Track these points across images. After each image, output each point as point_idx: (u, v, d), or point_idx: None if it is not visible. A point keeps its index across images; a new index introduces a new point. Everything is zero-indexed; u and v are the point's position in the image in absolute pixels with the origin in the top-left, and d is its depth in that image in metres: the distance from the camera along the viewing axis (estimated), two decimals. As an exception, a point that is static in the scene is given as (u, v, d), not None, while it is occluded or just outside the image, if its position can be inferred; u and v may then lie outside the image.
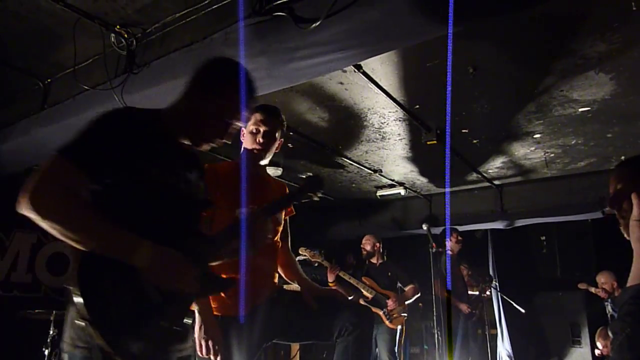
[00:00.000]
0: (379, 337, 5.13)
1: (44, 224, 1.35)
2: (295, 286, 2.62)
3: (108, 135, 1.48)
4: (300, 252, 5.23)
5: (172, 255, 1.47)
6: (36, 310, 4.38)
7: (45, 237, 5.30)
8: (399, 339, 5.18)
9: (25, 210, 1.36)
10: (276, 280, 2.54)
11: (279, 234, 2.53)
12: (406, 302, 5.26)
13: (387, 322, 5.09)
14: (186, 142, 1.68)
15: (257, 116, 2.35)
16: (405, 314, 5.24)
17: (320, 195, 2.13)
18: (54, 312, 4.31)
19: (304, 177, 2.13)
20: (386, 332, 5.10)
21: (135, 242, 1.41)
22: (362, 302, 5.14)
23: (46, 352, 4.22)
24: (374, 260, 5.46)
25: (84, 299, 1.31)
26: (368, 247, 5.47)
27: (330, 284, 5.13)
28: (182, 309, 1.58)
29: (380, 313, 5.10)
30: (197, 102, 1.64)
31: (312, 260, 5.17)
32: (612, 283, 5.47)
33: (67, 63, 3.42)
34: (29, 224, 1.40)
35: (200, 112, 1.64)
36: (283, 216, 2.56)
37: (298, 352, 6.68)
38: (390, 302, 5.12)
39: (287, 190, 2.67)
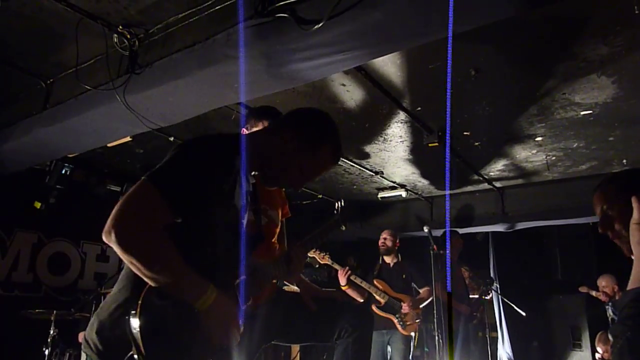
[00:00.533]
0: (392, 345, 4.90)
1: (124, 256, 1.32)
2: (294, 288, 2.62)
3: (197, 166, 1.44)
4: (309, 254, 5.06)
5: (229, 308, 1.47)
6: (37, 310, 4.39)
7: (46, 236, 5.32)
8: (413, 345, 4.94)
9: (110, 240, 1.32)
10: (275, 282, 2.54)
11: (276, 236, 2.53)
12: (421, 306, 4.99)
13: (400, 329, 4.85)
14: (254, 175, 1.66)
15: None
16: (419, 319, 4.98)
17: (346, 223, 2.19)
18: (54, 312, 4.32)
19: (336, 210, 2.15)
20: (400, 340, 4.85)
21: (203, 287, 1.40)
22: (374, 308, 4.93)
23: (46, 352, 4.23)
24: (388, 260, 5.20)
25: (142, 337, 1.29)
26: (389, 243, 5.15)
27: (342, 288, 4.91)
28: (227, 353, 1.57)
29: (394, 319, 4.87)
30: (290, 150, 1.62)
31: (322, 262, 4.88)
32: (612, 286, 5.46)
33: (69, 63, 3.43)
34: (30, 223, 1.39)
35: (290, 161, 1.62)
36: (280, 217, 2.56)
37: (298, 354, 6.67)
38: (404, 307, 4.87)
39: (284, 194, 2.67)
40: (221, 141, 1.59)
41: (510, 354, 6.84)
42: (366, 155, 5.21)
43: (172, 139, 4.51)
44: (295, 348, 6.75)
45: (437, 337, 4.67)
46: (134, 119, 3.21)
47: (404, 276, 5.13)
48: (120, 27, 2.99)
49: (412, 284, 5.11)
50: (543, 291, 7.23)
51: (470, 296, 5.92)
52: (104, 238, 1.33)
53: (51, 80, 3.70)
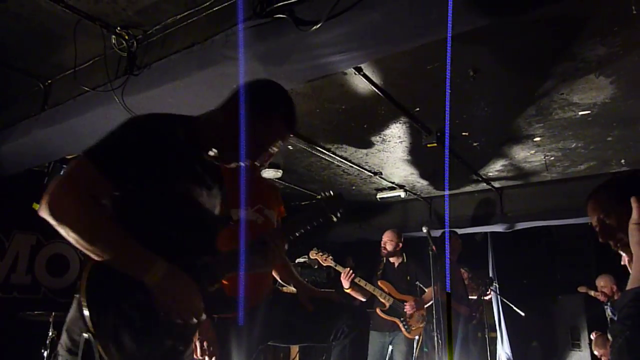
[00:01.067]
0: (395, 347, 4.82)
1: (61, 230, 1.33)
2: (291, 289, 2.61)
3: (136, 140, 1.45)
4: (310, 256, 4.97)
5: (183, 281, 1.42)
6: (35, 312, 4.37)
7: (45, 238, 5.31)
8: (416, 349, 4.88)
9: (43, 213, 1.34)
10: (271, 282, 2.54)
11: None
12: (425, 306, 4.89)
13: (405, 333, 4.78)
14: (212, 155, 1.64)
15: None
16: (424, 322, 4.88)
17: (340, 215, 2.07)
18: (53, 313, 4.31)
19: (320, 196, 2.06)
20: (403, 343, 4.78)
21: (149, 260, 1.37)
22: (378, 311, 4.84)
23: (45, 354, 4.22)
24: (392, 260, 5.06)
25: (90, 312, 1.29)
26: (389, 247, 5.01)
27: (346, 290, 4.78)
28: (190, 329, 1.53)
29: (399, 322, 4.81)
30: (239, 122, 1.59)
31: (324, 264, 4.80)
32: (611, 287, 5.47)
33: (67, 64, 3.42)
34: (28, 224, 1.39)
35: (250, 134, 1.59)
36: (275, 217, 2.56)
37: (298, 355, 6.66)
38: (407, 307, 4.79)
39: (279, 194, 2.66)
40: (165, 118, 1.60)
41: (510, 354, 6.84)
42: (365, 156, 5.21)
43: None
44: (295, 349, 6.74)
45: (436, 338, 4.67)
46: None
47: (408, 277, 5.02)
48: (119, 28, 2.99)
49: (417, 282, 4.96)
50: (542, 291, 7.24)
51: (470, 297, 5.92)
52: (40, 213, 1.35)
53: (49, 81, 3.69)
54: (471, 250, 6.57)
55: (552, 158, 5.14)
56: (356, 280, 4.70)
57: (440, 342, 4.63)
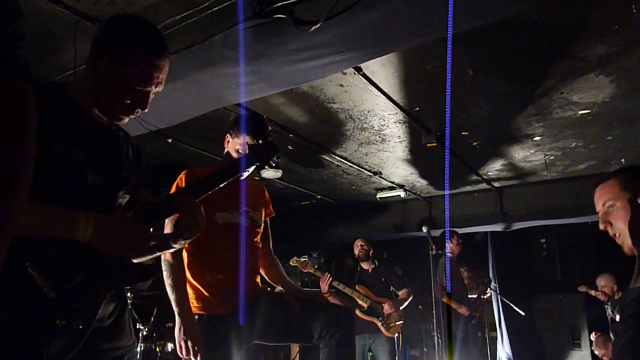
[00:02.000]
0: (377, 348, 5.01)
1: None
2: (279, 288, 2.62)
3: None
4: (291, 263, 5.17)
5: (114, 220, 1.37)
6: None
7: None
8: (397, 347, 5.05)
9: None
10: (258, 281, 2.53)
11: (259, 235, 2.52)
12: (401, 307, 5.12)
13: (384, 331, 4.97)
14: (100, 116, 1.52)
15: (249, 140, 2.27)
16: (402, 321, 5.10)
17: (275, 162, 1.86)
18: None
19: (248, 145, 1.88)
20: (385, 342, 4.98)
21: (72, 218, 1.30)
22: (358, 312, 5.03)
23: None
24: (365, 266, 5.33)
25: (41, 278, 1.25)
26: (356, 251, 5.36)
27: (325, 295, 4.95)
28: (87, 305, 1.39)
29: (377, 322, 4.98)
30: (101, 71, 1.46)
31: (304, 271, 5.04)
32: (612, 286, 5.46)
33: (67, 65, 3.42)
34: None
35: (105, 82, 1.46)
36: (263, 217, 2.55)
37: (298, 354, 6.67)
38: (386, 307, 4.99)
39: (267, 195, 2.63)
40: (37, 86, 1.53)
41: (510, 353, 6.84)
42: (364, 156, 5.21)
43: (170, 140, 4.51)
44: (295, 348, 6.74)
45: (436, 337, 4.67)
46: (132, 121, 3.18)
47: (382, 279, 5.26)
48: (118, 28, 2.98)
49: (391, 287, 5.21)
50: (542, 291, 7.24)
51: (469, 296, 5.92)
52: None
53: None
54: (471, 249, 6.57)
55: (552, 157, 5.14)
56: (334, 284, 4.95)
57: (440, 341, 4.64)
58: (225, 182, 1.66)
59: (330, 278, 4.92)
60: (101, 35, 1.51)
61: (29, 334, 1.28)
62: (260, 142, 1.92)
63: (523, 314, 5.97)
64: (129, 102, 1.49)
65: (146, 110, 1.54)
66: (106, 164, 1.53)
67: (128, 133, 1.70)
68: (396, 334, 5.05)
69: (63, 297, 1.31)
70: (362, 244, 5.38)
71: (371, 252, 5.39)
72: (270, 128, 1.58)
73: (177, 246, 1.57)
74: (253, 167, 1.83)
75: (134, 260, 1.50)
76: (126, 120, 1.57)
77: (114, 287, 1.48)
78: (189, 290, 2.30)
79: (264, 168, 1.86)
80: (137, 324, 4.51)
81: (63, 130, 1.44)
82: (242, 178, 1.92)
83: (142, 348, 4.41)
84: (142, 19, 1.57)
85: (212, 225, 2.11)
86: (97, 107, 1.51)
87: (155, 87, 1.52)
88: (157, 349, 4.78)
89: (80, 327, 1.34)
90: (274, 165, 1.87)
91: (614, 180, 1.69)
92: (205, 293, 2.29)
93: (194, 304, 2.29)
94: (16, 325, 1.27)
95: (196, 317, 2.27)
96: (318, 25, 2.32)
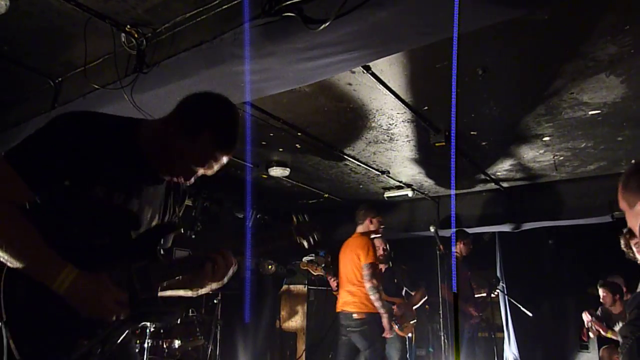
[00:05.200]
0: (390, 346, 4.99)
1: None
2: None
3: (55, 142, 1.39)
4: (301, 266, 5.27)
5: (93, 282, 1.37)
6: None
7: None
8: (409, 346, 5.10)
9: None
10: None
11: None
12: (414, 307, 5.13)
13: (398, 331, 4.97)
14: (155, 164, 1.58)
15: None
16: (415, 320, 5.12)
17: (313, 241, 1.93)
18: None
19: (294, 220, 1.89)
20: (397, 341, 5.00)
21: (56, 268, 1.33)
22: None
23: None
24: (380, 267, 5.24)
25: (4, 302, 1.29)
26: (386, 253, 5.30)
27: (334, 293, 5.10)
28: (111, 332, 1.47)
29: (392, 323, 4.94)
30: (171, 135, 1.53)
31: (314, 273, 5.25)
32: (612, 297, 5.44)
33: (77, 62, 3.45)
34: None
35: (169, 147, 1.52)
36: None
37: (304, 353, 6.68)
38: (395, 309, 4.99)
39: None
40: (95, 115, 1.53)
41: (517, 354, 6.82)
42: (372, 155, 5.20)
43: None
44: (301, 347, 6.76)
45: (442, 337, 4.67)
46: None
47: (395, 280, 5.31)
48: (128, 26, 3.00)
49: (405, 288, 5.27)
50: (550, 292, 7.20)
51: (477, 296, 5.90)
52: None
53: (60, 79, 3.72)
54: (479, 250, 6.55)
55: (561, 158, 5.11)
56: None
57: (446, 341, 4.64)
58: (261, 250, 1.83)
59: (337, 279, 4.99)
60: (186, 103, 1.59)
61: (52, 344, 1.35)
62: (305, 220, 1.94)
63: (531, 314, 5.95)
64: (179, 172, 1.56)
65: (188, 183, 1.62)
66: (145, 209, 1.59)
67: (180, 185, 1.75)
68: (409, 334, 5.10)
69: (93, 320, 1.39)
70: (382, 247, 5.36)
71: (387, 252, 5.38)
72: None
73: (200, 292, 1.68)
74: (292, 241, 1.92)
75: (164, 294, 1.60)
76: (169, 179, 1.62)
77: (141, 322, 1.62)
78: None
79: (301, 244, 1.92)
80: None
81: (113, 170, 1.48)
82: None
83: (149, 344, 4.44)
84: (229, 104, 1.62)
85: None
86: (154, 159, 1.56)
87: (207, 172, 1.59)
88: (164, 345, 4.81)
89: (99, 350, 1.43)
90: (311, 242, 1.95)
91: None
92: None
93: None
94: (45, 331, 1.34)
95: None
96: (327, 23, 2.32)
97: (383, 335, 4.27)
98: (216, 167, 1.59)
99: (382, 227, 4.70)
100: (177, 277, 1.61)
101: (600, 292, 5.53)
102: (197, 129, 1.51)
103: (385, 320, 4.26)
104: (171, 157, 1.54)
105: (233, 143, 1.58)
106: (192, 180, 1.59)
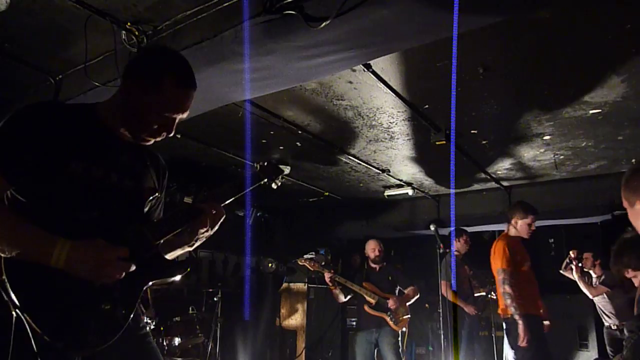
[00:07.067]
0: (383, 340, 5.11)
1: None
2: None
3: (21, 132, 1.44)
4: (299, 263, 5.34)
5: (89, 247, 1.42)
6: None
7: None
8: (401, 340, 5.16)
9: None
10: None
11: None
12: (407, 304, 5.22)
13: (392, 325, 5.07)
14: (126, 134, 1.63)
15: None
16: (408, 315, 5.21)
17: (279, 182, 2.07)
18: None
19: (258, 164, 2.08)
20: (391, 335, 5.08)
21: (49, 245, 1.37)
22: (366, 308, 5.16)
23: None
24: (374, 265, 5.39)
25: (16, 293, 1.31)
26: (372, 255, 5.38)
27: (331, 288, 5.24)
28: (129, 293, 1.54)
29: (386, 317, 5.07)
30: (132, 98, 1.57)
31: (312, 269, 5.30)
32: (593, 261, 5.58)
33: (78, 59, 3.44)
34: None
35: (136, 108, 1.57)
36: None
37: (304, 351, 6.69)
38: (390, 302, 5.08)
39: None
40: (52, 103, 1.63)
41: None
42: (373, 153, 5.20)
43: (179, 136, 4.53)
44: (301, 344, 6.77)
45: (442, 336, 4.67)
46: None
47: (390, 278, 5.34)
48: (129, 23, 3.00)
49: (398, 286, 5.30)
50: (550, 291, 7.17)
51: (476, 295, 5.91)
52: None
53: (60, 76, 3.71)
54: (479, 249, 6.55)
55: (562, 157, 5.11)
56: (337, 278, 5.12)
57: (445, 339, 4.65)
58: (238, 195, 1.90)
59: (333, 274, 5.12)
60: (135, 64, 1.63)
61: (77, 314, 1.40)
62: (267, 163, 2.07)
63: (530, 314, 5.93)
64: (156, 127, 1.61)
65: (171, 135, 1.66)
66: (125, 179, 1.64)
67: (151, 149, 1.79)
68: (403, 328, 5.16)
69: (107, 285, 1.45)
70: (378, 248, 5.40)
71: (381, 253, 5.43)
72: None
73: (196, 244, 1.75)
74: (258, 184, 2.05)
75: (167, 257, 1.67)
76: (152, 142, 1.67)
77: (152, 279, 1.63)
78: None
79: (270, 185, 2.08)
80: (144, 317, 4.54)
81: (83, 148, 1.53)
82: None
83: (149, 341, 4.44)
84: (174, 51, 1.73)
85: None
86: (125, 129, 1.62)
87: (182, 114, 1.64)
88: (165, 343, 4.82)
89: (123, 312, 1.50)
90: (279, 184, 2.09)
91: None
92: None
93: None
94: (64, 307, 1.38)
95: None
96: (328, 21, 2.32)
97: (518, 343, 4.03)
98: (188, 104, 1.63)
99: (532, 229, 4.35)
100: (173, 232, 1.66)
101: (585, 254, 5.65)
102: (157, 79, 1.56)
103: (519, 327, 3.99)
104: (144, 117, 1.58)
105: (193, 75, 1.65)
106: (173, 130, 1.64)
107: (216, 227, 1.74)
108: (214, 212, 1.71)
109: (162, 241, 1.65)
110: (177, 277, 1.71)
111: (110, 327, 1.46)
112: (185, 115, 1.65)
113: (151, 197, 1.75)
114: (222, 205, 1.78)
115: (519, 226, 4.33)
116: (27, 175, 1.43)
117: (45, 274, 1.36)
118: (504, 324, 4.32)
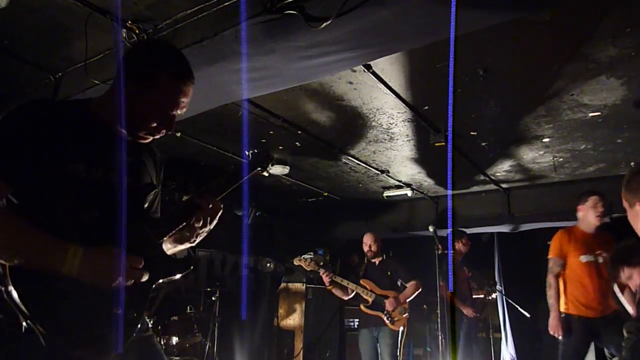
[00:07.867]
0: (381, 340, 5.10)
1: None
2: None
3: (17, 133, 1.40)
4: (294, 262, 5.34)
5: (102, 254, 1.39)
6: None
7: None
8: (400, 340, 5.12)
9: None
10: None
11: None
12: (407, 300, 5.15)
13: (389, 325, 5.05)
14: (120, 130, 1.58)
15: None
16: (407, 314, 5.15)
17: (271, 167, 2.04)
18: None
19: (249, 152, 2.06)
20: (388, 335, 5.05)
21: (62, 251, 1.33)
22: (362, 307, 5.16)
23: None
24: (374, 260, 5.38)
25: (24, 302, 1.27)
26: (375, 249, 5.36)
27: (328, 288, 5.25)
28: (137, 296, 1.50)
29: (383, 316, 5.06)
30: (130, 94, 1.53)
31: (308, 269, 5.31)
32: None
33: (78, 57, 3.44)
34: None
35: (133, 105, 1.53)
36: None
37: (301, 351, 6.69)
38: (387, 303, 5.05)
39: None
40: (47, 101, 1.55)
41: (514, 354, 6.82)
42: (372, 154, 5.20)
43: (179, 134, 4.53)
44: (299, 345, 6.77)
45: (440, 337, 4.67)
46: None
47: (389, 273, 5.31)
48: (129, 22, 2.99)
49: (399, 280, 5.26)
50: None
51: (474, 296, 5.91)
52: None
53: (60, 74, 3.71)
54: (477, 250, 6.55)
55: (561, 159, 5.11)
56: (336, 279, 5.15)
57: (443, 341, 4.64)
58: (234, 186, 1.86)
59: (331, 274, 5.15)
60: (130, 59, 1.59)
61: (90, 321, 1.37)
62: (256, 151, 2.05)
63: (528, 315, 5.95)
64: (155, 124, 1.57)
65: (170, 132, 1.63)
66: (129, 172, 1.60)
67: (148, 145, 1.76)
68: (401, 328, 5.11)
69: (117, 289, 1.42)
70: (370, 242, 5.38)
71: (378, 246, 5.39)
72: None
73: (197, 240, 1.72)
74: (252, 172, 2.02)
75: (169, 253, 1.67)
76: (150, 139, 1.64)
77: (158, 279, 1.60)
78: None
79: (262, 173, 2.05)
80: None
81: (81, 147, 1.49)
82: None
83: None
84: (170, 45, 1.69)
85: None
86: (122, 127, 1.57)
87: (180, 110, 1.60)
88: (162, 342, 4.81)
89: (135, 314, 1.49)
90: (270, 170, 2.06)
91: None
92: None
93: None
94: (76, 314, 1.35)
95: None
96: (329, 21, 2.32)
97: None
98: (186, 100, 1.60)
99: (599, 215, 4.17)
100: (174, 229, 1.63)
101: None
102: (154, 75, 1.52)
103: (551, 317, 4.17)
104: (143, 114, 1.54)
105: (190, 69, 1.61)
106: (173, 127, 1.61)
107: (215, 221, 1.72)
108: (211, 206, 1.69)
109: (163, 239, 1.64)
110: (179, 276, 1.70)
111: (123, 331, 1.44)
112: (183, 111, 1.63)
113: (150, 193, 1.73)
114: (219, 198, 1.75)
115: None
116: (25, 178, 1.39)
117: (53, 281, 1.33)
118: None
